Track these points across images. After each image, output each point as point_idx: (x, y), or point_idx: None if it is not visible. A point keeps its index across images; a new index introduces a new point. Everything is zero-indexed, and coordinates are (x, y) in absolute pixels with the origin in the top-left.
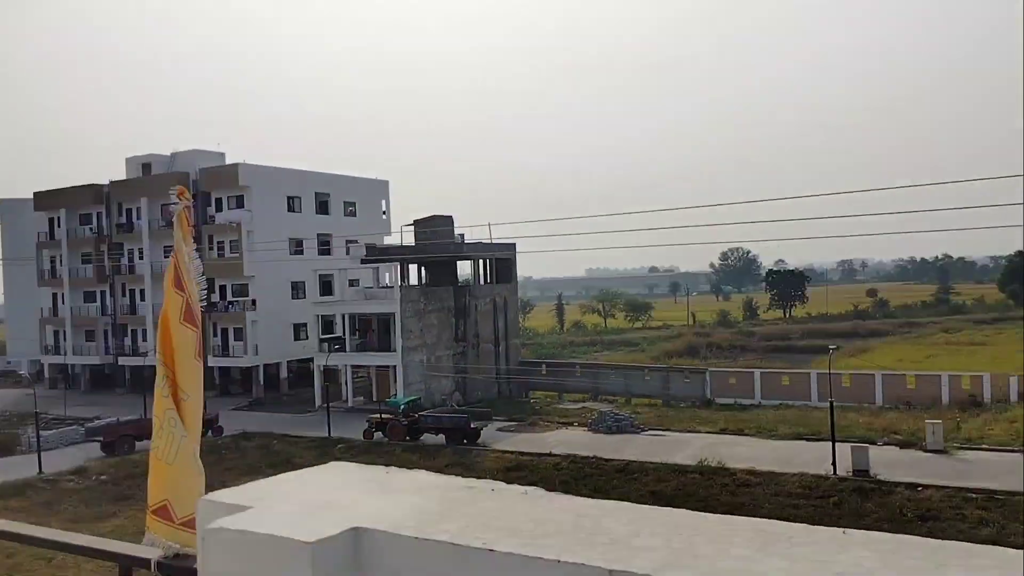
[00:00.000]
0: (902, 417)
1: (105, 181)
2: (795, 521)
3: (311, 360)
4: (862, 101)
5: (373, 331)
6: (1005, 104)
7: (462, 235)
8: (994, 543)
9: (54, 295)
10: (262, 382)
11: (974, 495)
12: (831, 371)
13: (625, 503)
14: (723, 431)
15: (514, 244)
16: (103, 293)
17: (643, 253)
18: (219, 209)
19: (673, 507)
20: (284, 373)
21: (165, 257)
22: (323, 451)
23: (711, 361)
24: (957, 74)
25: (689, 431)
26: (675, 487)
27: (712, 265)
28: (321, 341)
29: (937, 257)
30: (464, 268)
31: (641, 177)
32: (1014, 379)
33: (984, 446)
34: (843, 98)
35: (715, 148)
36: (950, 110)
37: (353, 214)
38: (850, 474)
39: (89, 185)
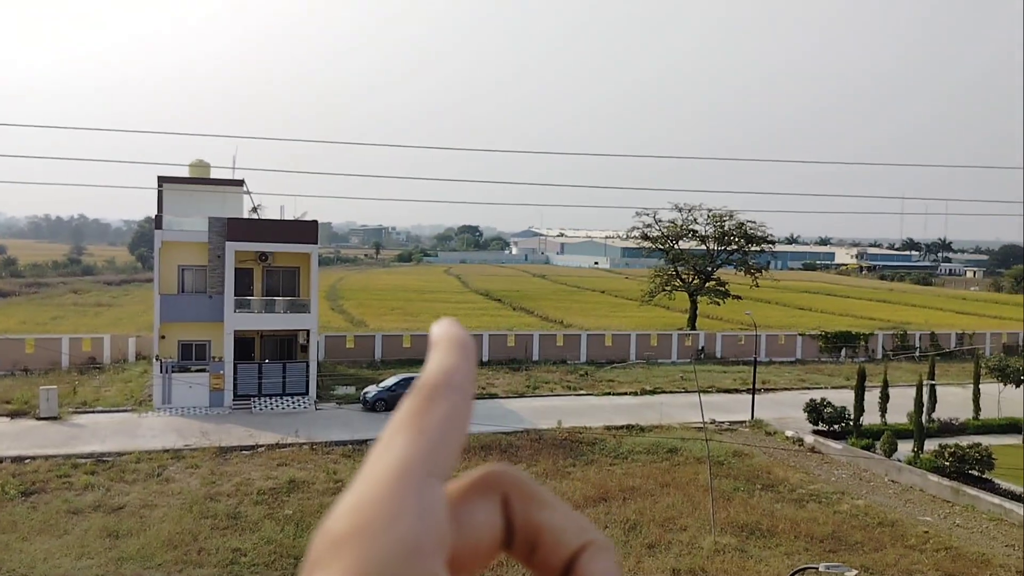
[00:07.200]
0: (17, 384)
1: None
2: None
3: None
4: None
5: None
6: None
7: None
8: (99, 506)
9: None
10: None
11: (83, 460)
12: None
13: None
14: None
15: None
16: None
17: None
18: None
19: None
20: None
21: None
22: None
23: None
24: None
25: None
26: None
27: None
28: None
29: (73, 217)
30: None
31: None
32: (132, 339)
33: (99, 408)
34: None
35: None
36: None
37: None
38: None
39: None
